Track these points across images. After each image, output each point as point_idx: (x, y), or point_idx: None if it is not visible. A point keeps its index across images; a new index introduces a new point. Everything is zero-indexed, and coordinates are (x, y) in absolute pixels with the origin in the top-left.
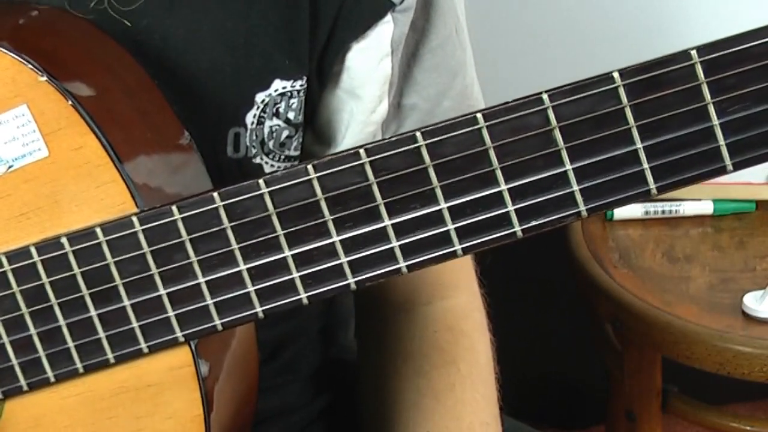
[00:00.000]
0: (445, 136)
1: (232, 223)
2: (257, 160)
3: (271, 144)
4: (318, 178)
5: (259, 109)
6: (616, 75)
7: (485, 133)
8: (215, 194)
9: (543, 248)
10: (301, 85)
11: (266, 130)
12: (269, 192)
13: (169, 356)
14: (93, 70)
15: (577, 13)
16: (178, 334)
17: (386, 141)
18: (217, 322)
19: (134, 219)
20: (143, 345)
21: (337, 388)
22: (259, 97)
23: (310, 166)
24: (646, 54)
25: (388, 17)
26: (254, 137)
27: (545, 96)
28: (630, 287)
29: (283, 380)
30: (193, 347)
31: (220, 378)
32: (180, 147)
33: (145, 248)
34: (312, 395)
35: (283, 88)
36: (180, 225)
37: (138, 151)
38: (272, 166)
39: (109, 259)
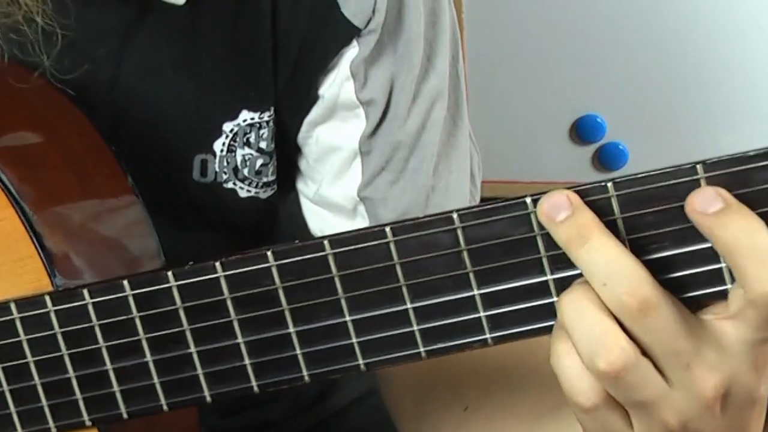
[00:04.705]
0: (353, 247)
1: (141, 314)
2: (229, 185)
3: (245, 171)
4: (225, 276)
5: (229, 138)
6: (528, 201)
7: (393, 247)
8: (125, 282)
9: None
10: (269, 116)
11: (239, 158)
12: (177, 286)
13: None
14: (32, 137)
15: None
16: (85, 418)
17: (295, 246)
18: (123, 410)
19: (47, 298)
20: (52, 425)
21: (327, 407)
22: (228, 126)
23: (218, 264)
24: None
25: (354, 43)
26: (225, 164)
27: (455, 216)
28: None
29: (267, 397)
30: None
31: None
32: (126, 215)
33: (56, 329)
34: (296, 413)
35: (251, 119)
36: (90, 309)
37: (67, 224)
38: (248, 191)
39: (22, 336)
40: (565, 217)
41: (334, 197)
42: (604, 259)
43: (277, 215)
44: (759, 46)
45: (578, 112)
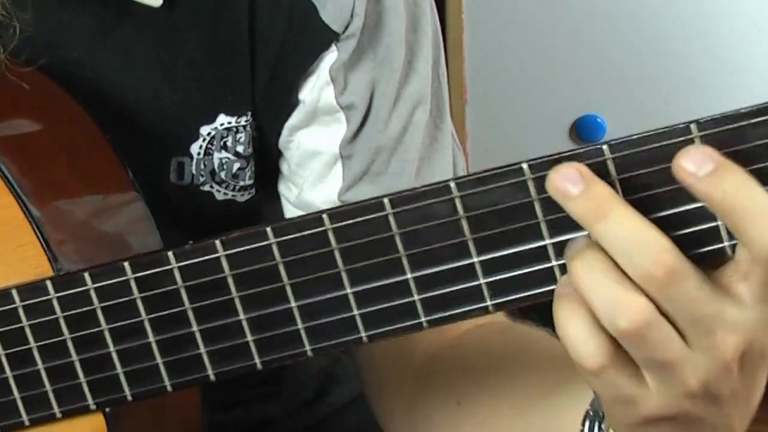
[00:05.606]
0: (352, 221)
1: (142, 294)
2: (206, 188)
3: (223, 174)
4: (226, 255)
5: (206, 141)
6: (525, 166)
7: (391, 219)
8: (126, 264)
9: None
10: (246, 121)
11: (216, 162)
12: (178, 266)
13: (84, 423)
14: (32, 128)
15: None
16: (90, 401)
17: (293, 221)
18: (127, 392)
19: (48, 283)
20: (56, 410)
21: (326, 404)
22: (205, 129)
23: (218, 242)
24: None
25: (333, 47)
26: (202, 167)
27: (453, 184)
28: None
29: (266, 392)
30: (107, 415)
31: None
32: (126, 209)
33: (59, 314)
34: (295, 410)
35: (228, 123)
36: (92, 293)
37: (68, 212)
38: (225, 194)
39: (24, 322)
40: (580, 192)
41: (315, 201)
42: (626, 231)
43: (263, 218)
44: (758, 47)
45: (578, 112)
